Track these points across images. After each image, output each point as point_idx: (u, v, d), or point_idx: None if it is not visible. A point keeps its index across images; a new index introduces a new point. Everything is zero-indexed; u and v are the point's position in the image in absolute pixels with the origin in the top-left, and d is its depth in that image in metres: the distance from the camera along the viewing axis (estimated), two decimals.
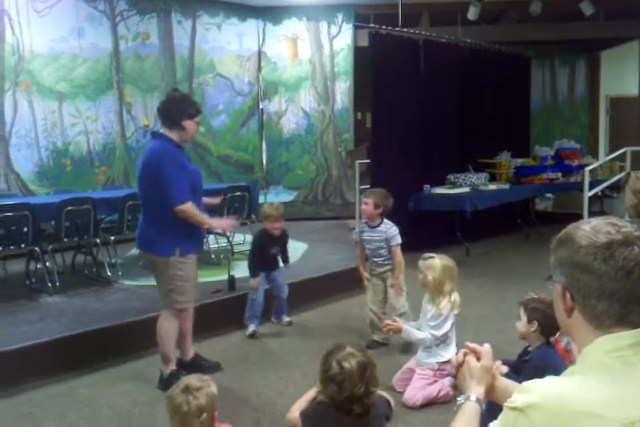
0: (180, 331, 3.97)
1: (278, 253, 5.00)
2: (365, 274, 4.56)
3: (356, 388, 2.11)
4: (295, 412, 2.36)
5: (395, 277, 4.41)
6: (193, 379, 2.28)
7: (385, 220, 4.48)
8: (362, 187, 7.92)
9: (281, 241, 4.99)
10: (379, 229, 4.44)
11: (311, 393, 2.42)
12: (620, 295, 1.17)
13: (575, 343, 1.30)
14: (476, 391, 1.50)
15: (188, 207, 3.59)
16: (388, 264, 4.48)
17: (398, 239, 4.43)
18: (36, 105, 7.67)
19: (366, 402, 2.15)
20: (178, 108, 3.70)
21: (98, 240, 5.81)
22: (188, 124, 3.70)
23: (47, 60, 7.77)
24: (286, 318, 5.02)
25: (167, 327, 3.76)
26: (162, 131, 3.75)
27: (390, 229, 4.43)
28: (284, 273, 5.07)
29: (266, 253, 4.90)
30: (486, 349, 1.58)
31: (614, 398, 1.09)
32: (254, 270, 4.86)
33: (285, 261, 5.08)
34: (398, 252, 4.44)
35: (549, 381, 1.18)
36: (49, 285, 5.37)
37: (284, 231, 4.98)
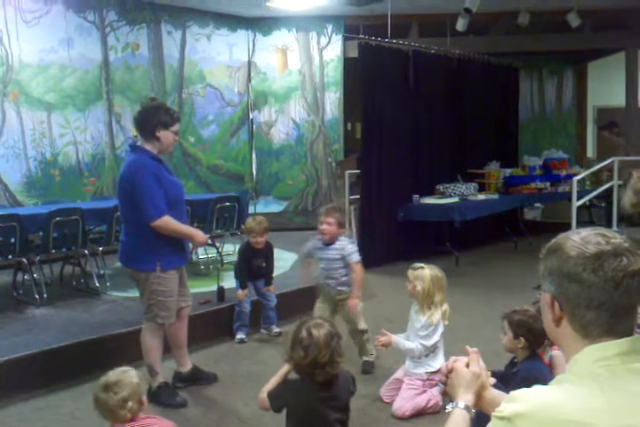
0: (175, 343, 3.95)
1: (263, 264, 4.99)
2: (307, 273, 4.35)
3: (321, 354, 2.25)
4: (264, 393, 2.45)
5: (353, 297, 4.02)
6: (110, 375, 2.36)
7: (340, 237, 4.18)
8: (351, 197, 7.92)
9: (265, 253, 5.00)
10: (334, 246, 4.13)
11: (280, 373, 2.52)
12: (608, 305, 1.18)
13: (563, 352, 1.30)
14: (464, 399, 1.50)
15: (165, 221, 3.52)
16: (344, 290, 4.13)
17: (357, 256, 4.09)
18: (24, 115, 7.64)
19: (329, 371, 2.28)
20: (152, 118, 3.58)
21: (86, 251, 5.77)
22: (163, 134, 3.59)
23: (36, 70, 7.75)
24: (275, 329, 5.00)
25: (150, 340, 3.72)
26: (139, 143, 3.68)
27: (347, 246, 4.12)
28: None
29: (250, 265, 4.94)
30: (474, 355, 1.58)
31: (603, 406, 1.10)
32: (241, 282, 4.89)
33: (268, 281, 5.02)
34: (358, 269, 4.07)
35: (537, 390, 1.18)
36: (36, 296, 5.32)
37: (267, 244, 5.00)
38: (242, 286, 4.87)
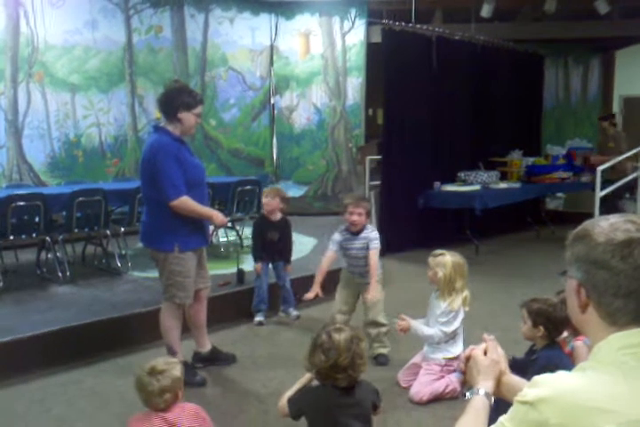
0: (195, 323, 3.99)
1: (278, 240, 4.94)
2: (318, 289, 4.04)
3: (342, 357, 2.22)
4: (284, 399, 2.42)
5: (371, 290, 3.92)
6: (159, 362, 2.43)
7: (367, 226, 4.15)
8: (371, 183, 7.91)
9: (281, 228, 4.96)
10: (361, 235, 4.10)
11: (302, 381, 2.49)
12: (637, 294, 1.16)
13: (589, 340, 1.30)
14: (484, 385, 1.49)
15: (183, 202, 3.54)
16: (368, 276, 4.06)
17: (377, 243, 4.06)
18: (49, 96, 7.71)
19: (351, 375, 2.25)
20: (175, 99, 3.60)
21: (108, 231, 5.84)
22: (185, 115, 3.61)
23: (61, 51, 7.80)
24: (294, 313, 5.02)
25: (168, 320, 3.76)
26: (162, 124, 3.71)
27: (372, 233, 4.09)
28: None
29: (265, 238, 4.93)
30: (492, 342, 1.58)
31: (626, 394, 1.09)
32: (254, 255, 4.97)
33: (286, 260, 5.02)
34: (374, 256, 4.02)
35: (561, 375, 1.18)
36: (59, 274, 5.41)
37: (284, 218, 4.99)
38: (255, 258, 4.94)
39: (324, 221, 8.75)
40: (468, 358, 1.57)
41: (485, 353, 1.55)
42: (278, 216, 4.96)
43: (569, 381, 1.15)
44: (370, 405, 2.36)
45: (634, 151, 7.84)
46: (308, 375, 2.46)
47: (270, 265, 5.04)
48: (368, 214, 4.14)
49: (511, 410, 1.20)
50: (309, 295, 4.05)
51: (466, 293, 3.55)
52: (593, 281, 1.21)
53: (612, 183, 7.89)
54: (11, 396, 3.64)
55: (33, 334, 4.02)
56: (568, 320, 1.52)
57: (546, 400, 1.12)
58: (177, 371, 2.41)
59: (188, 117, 3.63)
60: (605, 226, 1.21)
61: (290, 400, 2.38)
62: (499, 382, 1.53)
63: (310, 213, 9.09)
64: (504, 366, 1.55)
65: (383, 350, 4.13)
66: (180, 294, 3.70)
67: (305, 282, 5.25)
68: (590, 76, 11.04)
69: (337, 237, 4.19)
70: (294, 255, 5.26)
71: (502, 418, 1.21)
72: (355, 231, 4.11)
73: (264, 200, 4.96)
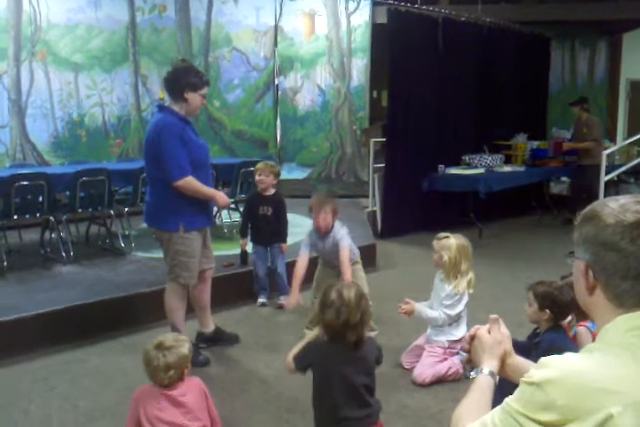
0: (199, 304, 4.01)
1: (272, 216, 4.83)
2: (297, 296, 3.84)
3: (353, 314, 2.27)
4: (290, 356, 2.48)
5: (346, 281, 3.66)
6: (168, 338, 2.44)
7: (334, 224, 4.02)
8: (376, 165, 7.88)
9: (274, 202, 4.85)
10: (330, 235, 3.99)
11: (307, 338, 2.55)
12: None
13: (595, 322, 1.29)
14: (488, 364, 1.49)
15: (187, 182, 3.53)
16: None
17: (346, 241, 3.95)
18: (52, 76, 7.68)
19: (360, 331, 2.31)
20: (181, 79, 3.58)
21: (112, 212, 5.84)
22: (191, 96, 3.59)
23: (64, 30, 7.75)
24: (282, 300, 4.84)
25: (173, 301, 3.77)
26: (167, 104, 3.68)
27: (340, 233, 3.96)
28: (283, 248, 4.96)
29: (256, 214, 4.84)
30: (494, 321, 1.58)
31: (634, 375, 1.09)
32: (241, 229, 4.98)
33: (282, 238, 4.89)
34: (344, 255, 3.89)
35: (568, 357, 1.17)
36: (63, 254, 5.42)
37: (277, 193, 4.91)
38: (241, 233, 4.94)
39: None
40: (472, 338, 1.57)
41: (489, 333, 1.55)
42: (272, 191, 4.87)
43: (576, 362, 1.15)
44: (374, 359, 2.43)
45: (638, 136, 7.79)
46: (312, 334, 2.51)
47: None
48: (335, 213, 3.99)
49: (517, 391, 1.20)
50: (290, 303, 3.90)
51: (470, 275, 3.55)
52: (601, 263, 1.20)
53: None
54: (15, 374, 3.67)
55: (37, 312, 4.04)
56: (574, 304, 1.51)
57: (552, 381, 1.11)
58: (185, 349, 2.41)
59: (193, 98, 3.61)
60: (615, 207, 1.20)
61: (297, 356, 2.45)
62: (503, 363, 1.52)
63: None
64: (509, 346, 1.54)
65: (371, 333, 4.00)
66: (184, 274, 3.70)
67: (308, 265, 5.25)
68: (597, 59, 10.95)
69: (307, 239, 4.10)
70: (295, 238, 5.19)
71: (508, 399, 1.20)
72: (324, 233, 4.02)
73: (258, 178, 4.81)
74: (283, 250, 4.93)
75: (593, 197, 7.69)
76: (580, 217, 1.26)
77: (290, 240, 5.04)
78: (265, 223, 4.86)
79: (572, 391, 1.09)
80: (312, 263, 4.16)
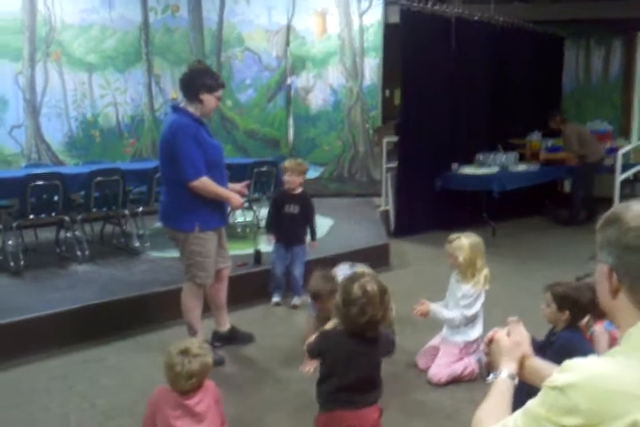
0: (215, 303, 4.03)
1: (299, 214, 4.81)
2: (314, 364, 3.48)
3: (377, 311, 2.25)
4: (307, 343, 2.52)
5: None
6: (195, 344, 2.41)
7: None
8: (388, 165, 7.87)
9: (300, 201, 4.83)
10: None
11: (326, 328, 2.55)
12: None
13: (617, 325, 1.28)
14: (507, 367, 1.49)
15: (203, 182, 3.54)
16: None
17: None
18: (66, 76, 7.73)
19: (379, 327, 2.32)
20: (197, 81, 3.60)
21: (126, 211, 5.87)
22: (207, 97, 3.62)
23: (78, 31, 7.80)
24: (295, 301, 4.87)
25: (190, 300, 3.79)
26: (182, 104, 3.70)
27: None
28: (306, 251, 4.96)
29: (281, 211, 4.83)
30: (514, 324, 1.58)
31: None
32: (269, 227, 4.96)
33: (312, 235, 4.97)
34: None
35: (591, 360, 1.17)
36: (78, 253, 5.46)
37: (304, 192, 4.90)
38: (268, 229, 4.95)
39: (339, 203, 8.76)
40: (490, 341, 1.57)
41: (509, 335, 1.55)
42: (299, 190, 4.87)
43: (599, 366, 1.14)
44: (385, 353, 2.46)
45: None
46: (331, 323, 2.52)
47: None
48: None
49: (540, 395, 1.19)
50: (304, 369, 3.67)
51: (486, 271, 3.54)
52: (625, 266, 1.19)
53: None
54: (32, 373, 3.70)
55: (53, 311, 4.07)
56: (593, 305, 1.51)
57: (575, 386, 1.11)
58: (209, 358, 2.40)
59: (209, 100, 3.64)
60: (638, 210, 1.19)
61: (311, 343, 2.45)
62: (521, 366, 1.52)
63: (326, 195, 9.08)
64: (527, 348, 1.54)
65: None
66: (200, 273, 3.71)
67: (323, 263, 5.23)
68: (612, 57, 10.86)
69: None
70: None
71: (530, 403, 1.20)
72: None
73: (288, 178, 4.79)
74: (314, 246, 5.01)
75: (588, 195, 7.75)
76: (602, 220, 1.26)
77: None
78: (290, 222, 4.84)
79: (596, 396, 1.08)
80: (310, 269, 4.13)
